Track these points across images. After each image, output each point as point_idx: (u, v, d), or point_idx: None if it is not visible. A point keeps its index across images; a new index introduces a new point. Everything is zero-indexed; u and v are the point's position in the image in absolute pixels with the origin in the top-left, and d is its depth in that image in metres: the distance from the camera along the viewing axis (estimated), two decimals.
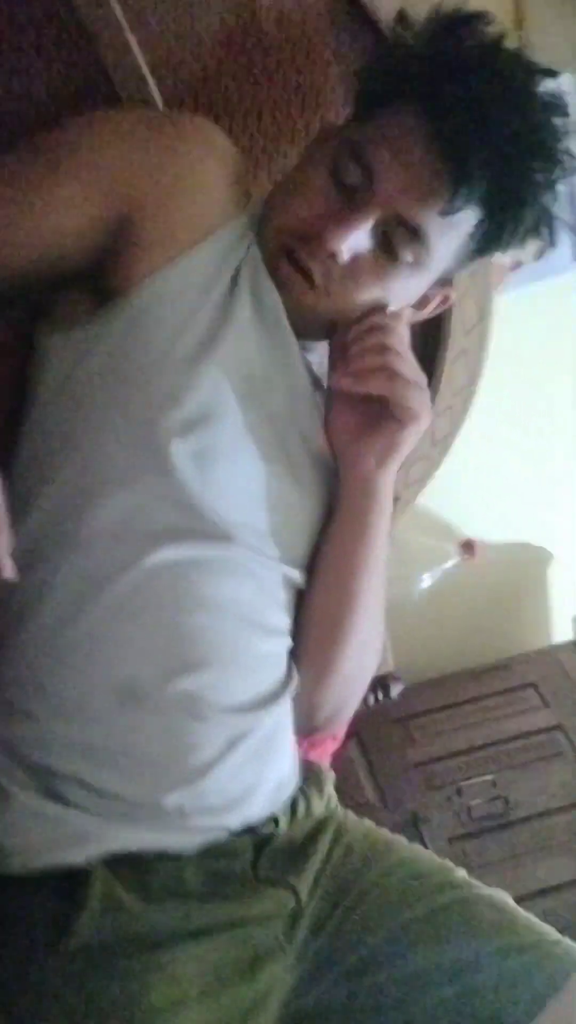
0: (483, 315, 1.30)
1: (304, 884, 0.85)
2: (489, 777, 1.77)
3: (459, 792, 1.77)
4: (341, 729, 1.02)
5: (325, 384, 0.93)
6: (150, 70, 1.00)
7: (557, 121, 0.81)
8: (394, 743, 1.88)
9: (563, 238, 1.66)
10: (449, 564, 1.62)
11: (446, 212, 0.81)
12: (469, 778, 1.79)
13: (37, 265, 0.84)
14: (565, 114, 0.82)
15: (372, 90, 0.87)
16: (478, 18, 0.82)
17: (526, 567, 1.95)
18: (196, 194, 0.85)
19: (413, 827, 1.69)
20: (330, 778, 0.97)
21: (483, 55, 0.81)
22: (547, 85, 0.83)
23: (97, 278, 0.85)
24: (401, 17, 0.88)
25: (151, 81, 1.01)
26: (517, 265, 1.52)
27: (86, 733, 0.79)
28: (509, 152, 0.79)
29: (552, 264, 1.66)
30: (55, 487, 0.82)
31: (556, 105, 0.81)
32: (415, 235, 0.83)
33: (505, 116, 0.79)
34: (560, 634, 2.04)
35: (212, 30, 1.02)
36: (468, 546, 1.61)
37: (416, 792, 1.79)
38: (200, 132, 0.87)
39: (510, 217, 0.82)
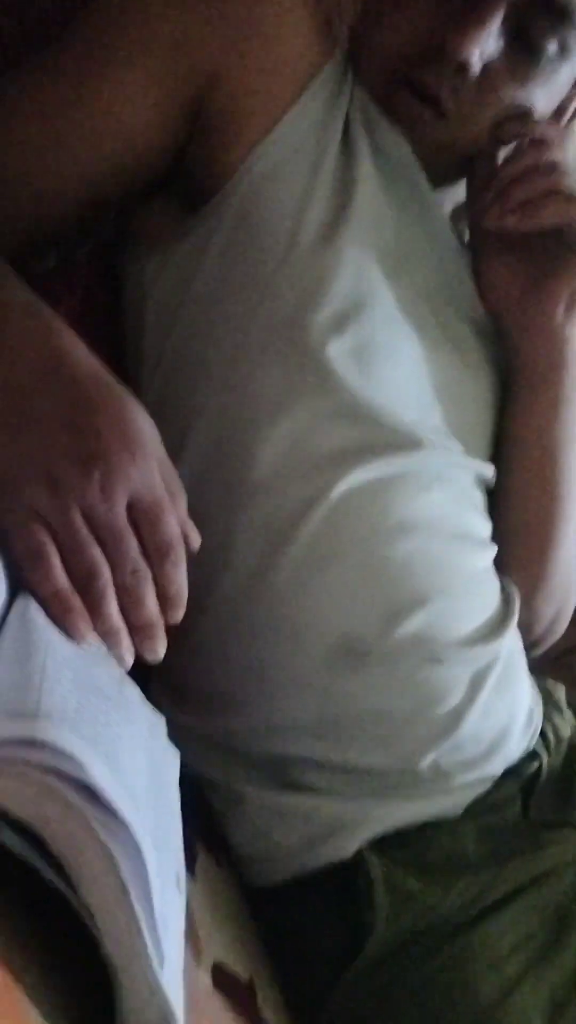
0: None
1: None
2: None
3: None
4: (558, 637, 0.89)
5: (467, 237, 0.78)
6: None
7: None
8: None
9: None
10: None
11: None
12: None
13: (107, 180, 0.70)
14: None
15: None
16: None
17: None
18: (278, 43, 0.69)
19: None
20: (560, 689, 0.85)
21: None
22: None
23: (183, 179, 0.71)
24: None
25: None
26: None
27: (311, 707, 0.67)
28: None
29: None
30: (202, 433, 0.68)
31: None
32: (559, 15, 0.67)
33: None
34: None
35: None
36: None
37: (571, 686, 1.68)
38: None
39: None
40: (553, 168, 0.70)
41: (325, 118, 0.70)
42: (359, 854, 0.66)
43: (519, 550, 0.78)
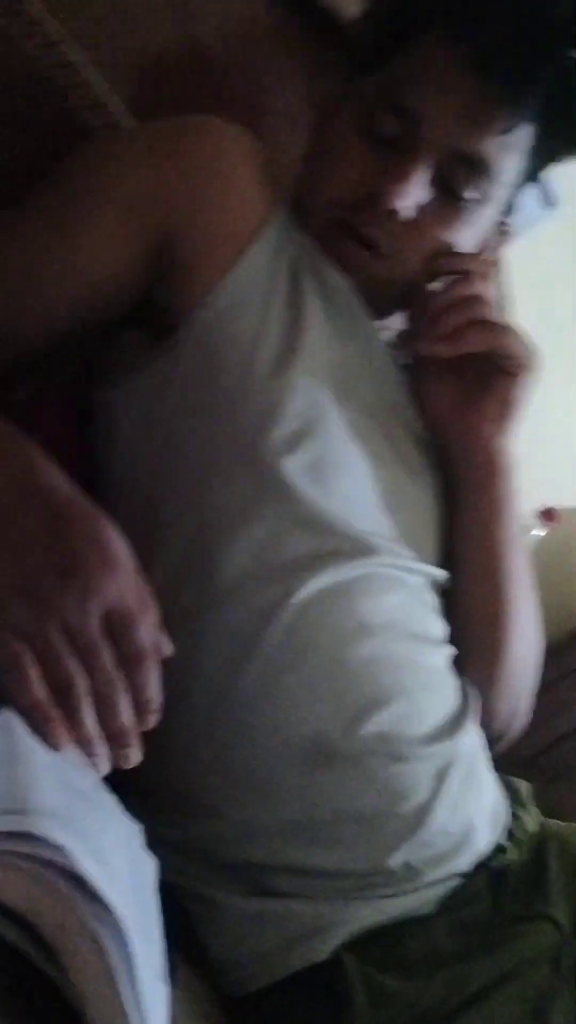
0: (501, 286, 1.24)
1: (556, 908, 0.75)
2: None
3: None
4: (518, 733, 0.92)
5: (406, 360, 0.84)
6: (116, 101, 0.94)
7: None
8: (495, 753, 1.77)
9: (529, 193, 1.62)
10: (532, 536, 1.52)
11: (507, 129, 0.74)
12: None
13: (77, 320, 0.75)
14: None
15: (380, 39, 0.80)
16: None
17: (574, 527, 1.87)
18: (232, 195, 0.77)
19: None
20: (525, 786, 0.87)
21: None
22: None
23: (147, 315, 0.77)
24: None
25: (119, 106, 0.93)
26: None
27: (281, 811, 0.68)
28: (558, 46, 0.73)
29: (525, 218, 1.61)
30: (170, 546, 0.72)
31: None
32: (477, 167, 0.75)
33: (542, 11, 0.72)
34: None
35: (158, 51, 0.96)
36: (549, 514, 1.52)
37: (542, 788, 1.68)
38: (216, 130, 0.79)
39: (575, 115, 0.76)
40: (477, 299, 0.77)
41: (274, 261, 0.77)
42: (336, 956, 0.66)
43: (471, 648, 0.81)
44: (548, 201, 1.60)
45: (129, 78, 0.95)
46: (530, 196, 1.61)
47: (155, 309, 0.76)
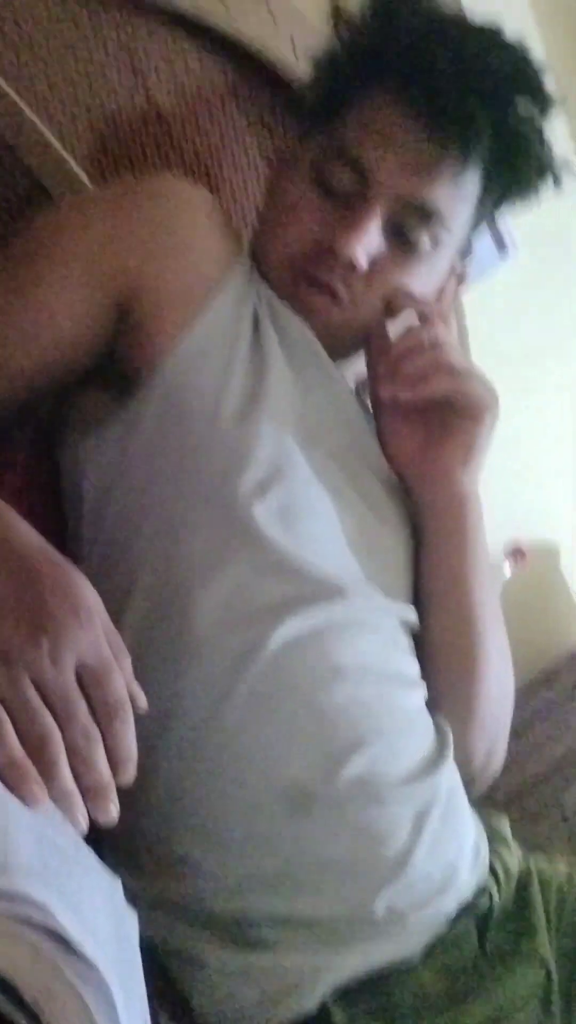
0: (458, 318, 1.27)
1: (543, 946, 0.74)
2: None
3: (564, 818, 1.66)
4: (497, 772, 0.92)
5: (369, 403, 0.86)
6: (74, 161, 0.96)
7: (529, 55, 0.79)
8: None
9: (483, 237, 1.66)
10: (506, 577, 1.52)
11: (455, 177, 0.77)
12: (567, 795, 1.68)
13: (42, 378, 0.76)
14: (529, 50, 0.80)
15: (329, 94, 0.83)
16: None
17: (541, 564, 1.88)
18: (191, 251, 0.78)
19: None
20: (504, 822, 0.87)
21: (433, 18, 0.80)
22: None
23: (111, 369, 0.78)
24: (336, 14, 0.84)
25: (76, 168, 0.95)
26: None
27: (262, 861, 0.68)
28: (500, 94, 0.76)
29: (481, 264, 1.65)
30: (141, 596, 0.72)
31: (521, 45, 0.80)
32: (428, 215, 0.78)
33: (483, 63, 0.76)
34: None
35: (112, 110, 0.99)
36: (519, 554, 1.52)
37: (520, 828, 1.67)
38: (174, 188, 0.82)
39: (520, 159, 0.79)
40: (437, 344, 0.79)
41: (236, 311, 0.78)
42: (323, 1007, 0.66)
43: (445, 688, 0.81)
44: (503, 248, 1.64)
45: (86, 140, 0.97)
46: (486, 244, 1.66)
47: (117, 364, 0.77)
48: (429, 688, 0.80)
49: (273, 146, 1.06)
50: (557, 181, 0.82)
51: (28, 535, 0.56)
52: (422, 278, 0.81)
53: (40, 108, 0.94)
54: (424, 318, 0.80)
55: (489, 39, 0.79)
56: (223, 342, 0.77)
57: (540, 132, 0.80)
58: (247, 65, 1.06)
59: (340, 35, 0.83)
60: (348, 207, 0.78)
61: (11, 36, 0.91)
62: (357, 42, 0.81)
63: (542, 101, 0.79)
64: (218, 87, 1.07)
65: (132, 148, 1.00)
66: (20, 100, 0.90)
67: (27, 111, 0.90)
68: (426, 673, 0.81)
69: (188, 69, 1.04)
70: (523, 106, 0.78)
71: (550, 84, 0.80)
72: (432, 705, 0.80)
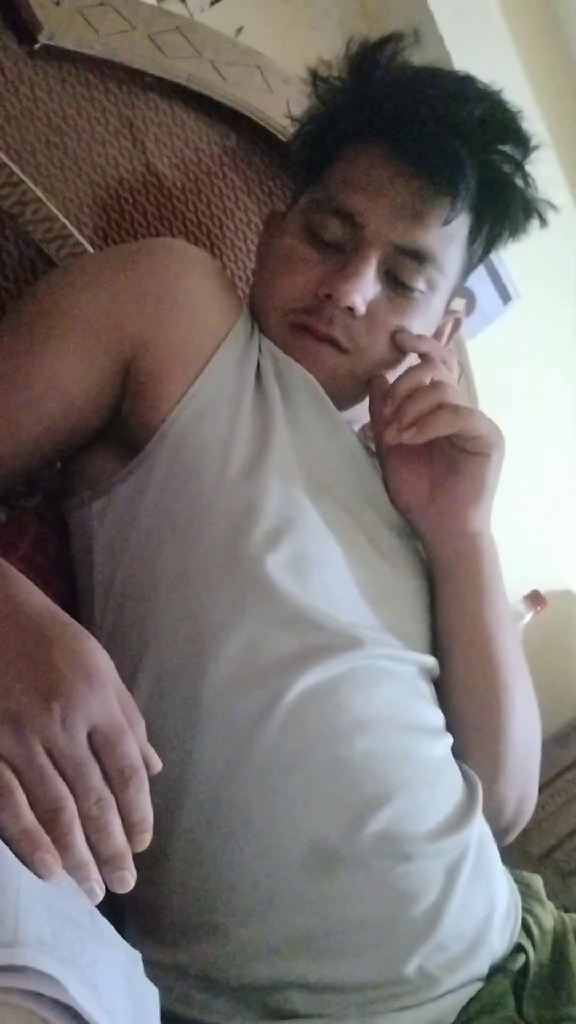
0: (464, 369, 1.27)
1: None
2: None
3: None
4: (528, 821, 0.89)
5: (375, 449, 0.86)
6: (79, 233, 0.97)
7: (506, 102, 0.81)
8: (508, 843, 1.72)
9: (485, 286, 1.68)
10: (525, 622, 1.50)
11: (445, 222, 0.78)
12: None
13: (50, 442, 0.77)
14: (504, 97, 0.82)
15: (314, 152, 0.85)
16: (389, 40, 0.83)
17: (562, 611, 1.86)
18: (192, 311, 0.79)
19: None
20: (538, 880, 0.84)
21: (408, 69, 0.82)
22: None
23: (117, 429, 0.78)
24: (314, 75, 0.87)
25: (81, 239, 0.97)
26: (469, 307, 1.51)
27: (286, 924, 0.66)
28: (482, 138, 0.78)
29: (484, 314, 1.66)
30: (154, 658, 0.71)
31: (495, 91, 0.82)
32: (421, 259, 0.80)
33: (462, 109, 0.78)
34: None
35: (113, 180, 1.01)
36: (536, 598, 1.51)
37: (553, 886, 1.62)
38: (174, 250, 0.83)
39: (506, 199, 0.81)
40: (438, 384, 0.79)
41: (239, 366, 0.79)
42: None
43: (472, 736, 0.80)
44: (506, 296, 1.66)
45: (89, 210, 0.99)
46: (488, 294, 1.68)
47: (126, 424, 0.78)
48: (454, 737, 0.79)
49: (272, 206, 1.08)
50: (542, 220, 0.84)
51: (38, 599, 0.56)
52: (419, 321, 0.82)
53: (41, 180, 0.96)
54: (425, 359, 0.80)
55: (465, 86, 0.81)
56: (227, 398, 0.77)
57: (524, 173, 0.81)
58: (245, 131, 1.09)
59: (320, 94, 0.86)
60: (343, 257, 0.79)
61: (11, 110, 0.93)
62: (337, 100, 0.84)
63: (522, 143, 0.81)
64: (217, 153, 1.09)
65: (135, 216, 1.02)
66: (23, 174, 0.92)
67: (28, 183, 0.92)
68: (450, 721, 0.79)
69: (187, 137, 1.07)
70: (505, 149, 0.80)
71: (528, 127, 0.82)
72: (458, 755, 0.78)
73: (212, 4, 1.25)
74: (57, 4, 0.93)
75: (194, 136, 1.07)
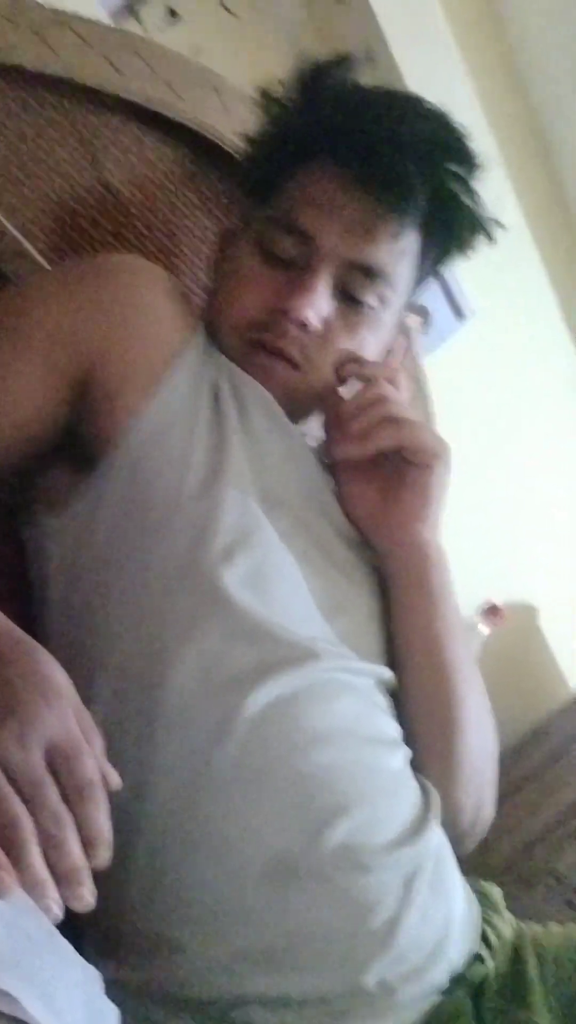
0: (420, 385, 1.29)
1: (541, 1017, 0.72)
2: None
3: (557, 879, 1.62)
4: (486, 829, 0.90)
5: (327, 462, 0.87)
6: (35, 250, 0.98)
7: (453, 122, 0.83)
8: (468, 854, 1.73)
9: (440, 304, 1.70)
10: (484, 636, 1.52)
11: (395, 236, 0.80)
12: (561, 858, 1.64)
13: (3, 458, 0.76)
14: (452, 118, 0.84)
15: (266, 171, 0.86)
16: (338, 60, 0.84)
17: (519, 623, 1.88)
18: (148, 327, 0.80)
19: None
20: (496, 890, 0.85)
21: (357, 89, 0.84)
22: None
23: (73, 445, 0.78)
24: (264, 94, 0.88)
25: (37, 256, 0.97)
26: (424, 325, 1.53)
27: (246, 937, 0.66)
28: (430, 156, 0.80)
29: (439, 331, 1.69)
30: (111, 673, 0.71)
31: (442, 111, 0.83)
32: (373, 275, 0.81)
33: (411, 128, 0.79)
34: None
35: (70, 198, 1.02)
36: (494, 611, 1.52)
37: (515, 896, 1.63)
38: (130, 266, 0.83)
39: (454, 216, 0.83)
40: (382, 399, 0.81)
41: (195, 383, 0.79)
42: None
43: (427, 745, 0.80)
44: (460, 314, 1.68)
45: (45, 228, 1.00)
46: (443, 311, 1.70)
47: (79, 440, 0.78)
48: (411, 747, 0.79)
49: (226, 223, 1.09)
50: (489, 237, 0.86)
51: None
52: (371, 336, 0.84)
53: None
54: (371, 377, 0.82)
55: (413, 106, 0.83)
56: (183, 414, 0.78)
57: (471, 190, 0.83)
58: (201, 151, 1.10)
59: (271, 114, 0.87)
60: (296, 273, 0.80)
61: None
62: (288, 119, 0.85)
63: (469, 162, 0.83)
64: (174, 173, 1.10)
65: (92, 233, 1.03)
66: None
67: None
68: (407, 732, 0.80)
69: (144, 155, 1.08)
70: (453, 167, 0.81)
71: (477, 146, 0.83)
72: (416, 765, 0.79)
73: (170, 25, 1.27)
74: (13, 23, 0.94)
75: (150, 154, 1.08)
